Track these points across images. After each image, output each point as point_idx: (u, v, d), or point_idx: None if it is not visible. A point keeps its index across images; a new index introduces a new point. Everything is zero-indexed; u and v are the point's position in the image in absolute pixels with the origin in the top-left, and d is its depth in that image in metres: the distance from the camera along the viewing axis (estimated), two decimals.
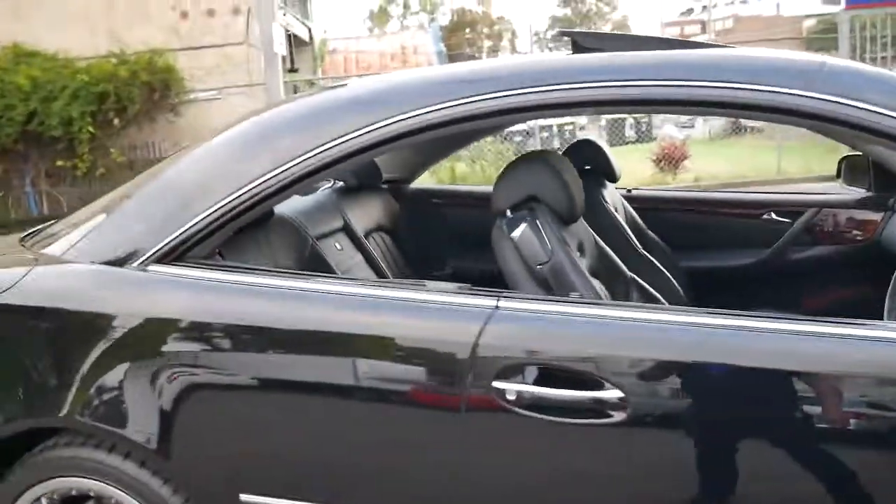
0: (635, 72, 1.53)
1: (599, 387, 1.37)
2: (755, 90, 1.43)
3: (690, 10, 59.18)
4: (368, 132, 1.56)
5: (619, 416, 1.36)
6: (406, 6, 44.83)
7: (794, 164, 10.11)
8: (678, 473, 1.40)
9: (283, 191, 1.61)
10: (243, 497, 1.59)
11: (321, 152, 1.58)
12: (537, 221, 1.73)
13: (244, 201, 1.60)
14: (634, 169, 9.64)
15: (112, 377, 1.62)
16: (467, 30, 49.21)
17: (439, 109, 1.55)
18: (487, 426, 1.45)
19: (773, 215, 2.84)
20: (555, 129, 16.21)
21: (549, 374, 1.41)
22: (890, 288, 1.79)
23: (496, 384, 1.41)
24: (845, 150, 2.84)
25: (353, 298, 1.57)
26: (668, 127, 19.00)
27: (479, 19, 49.83)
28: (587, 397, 1.38)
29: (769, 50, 1.71)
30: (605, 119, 15.14)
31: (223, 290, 1.61)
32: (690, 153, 11.26)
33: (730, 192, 3.59)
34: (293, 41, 13.65)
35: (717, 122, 17.27)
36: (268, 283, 1.60)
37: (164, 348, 1.61)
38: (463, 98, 1.54)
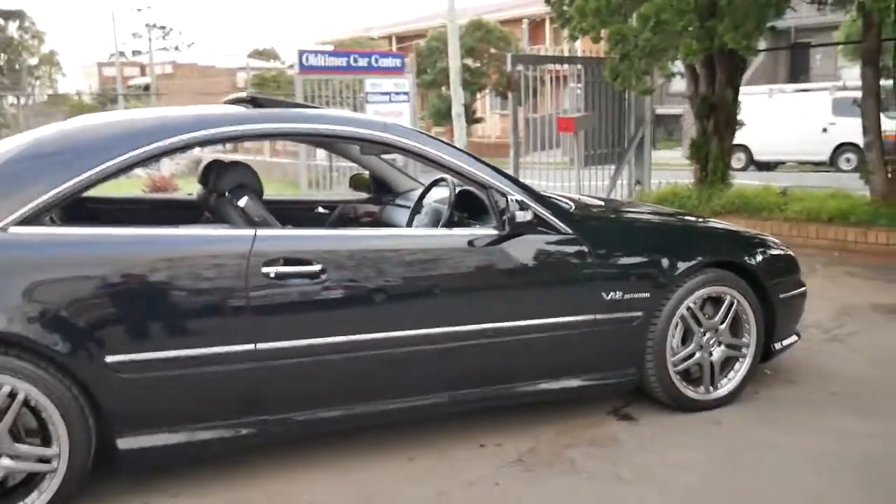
0: (290, 119, 3.19)
1: (309, 263, 2.95)
2: (361, 130, 3.19)
3: (122, 53, 59.52)
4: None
5: (324, 276, 2.96)
6: None
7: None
8: (354, 306, 3.05)
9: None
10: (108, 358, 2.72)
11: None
12: (251, 195, 3.20)
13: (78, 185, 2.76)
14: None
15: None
16: None
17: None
18: (261, 293, 2.88)
19: (321, 209, 4.66)
20: None
21: (289, 260, 2.93)
22: (407, 220, 3.76)
23: (263, 270, 2.88)
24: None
25: (167, 236, 2.87)
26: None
27: None
28: (306, 270, 2.95)
29: (365, 115, 3.51)
30: None
31: (75, 240, 2.75)
32: (177, 185, 12.81)
33: (295, 197, 5.34)
34: None
35: (183, 163, 19.14)
36: (104, 232, 2.81)
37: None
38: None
